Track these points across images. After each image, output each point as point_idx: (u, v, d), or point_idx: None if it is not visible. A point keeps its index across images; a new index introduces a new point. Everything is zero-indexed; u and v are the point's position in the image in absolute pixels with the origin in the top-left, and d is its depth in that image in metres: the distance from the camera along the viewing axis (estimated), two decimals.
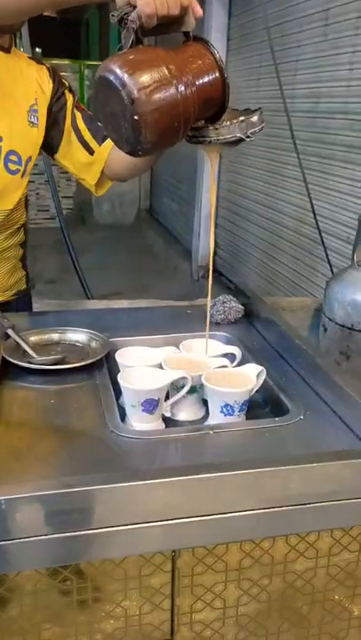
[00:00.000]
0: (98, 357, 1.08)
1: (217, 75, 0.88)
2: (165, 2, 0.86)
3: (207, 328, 1.10)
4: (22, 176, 1.28)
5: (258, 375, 0.98)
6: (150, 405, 0.92)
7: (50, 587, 0.76)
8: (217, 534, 0.77)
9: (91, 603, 0.78)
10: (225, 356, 1.07)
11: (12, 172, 1.25)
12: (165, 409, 0.97)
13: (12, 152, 1.24)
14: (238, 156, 4.22)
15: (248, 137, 0.92)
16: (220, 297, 1.32)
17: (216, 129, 0.92)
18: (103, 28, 9.21)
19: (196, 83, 0.86)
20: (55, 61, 6.23)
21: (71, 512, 0.71)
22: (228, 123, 0.92)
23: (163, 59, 0.84)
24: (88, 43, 10.86)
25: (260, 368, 0.99)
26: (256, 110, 0.94)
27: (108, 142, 1.31)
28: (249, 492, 0.77)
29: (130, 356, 1.04)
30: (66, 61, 7.12)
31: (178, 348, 1.09)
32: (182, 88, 0.84)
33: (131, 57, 0.84)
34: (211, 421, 0.96)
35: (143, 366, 1.00)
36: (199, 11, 0.90)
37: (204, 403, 1.01)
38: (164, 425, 0.96)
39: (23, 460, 0.80)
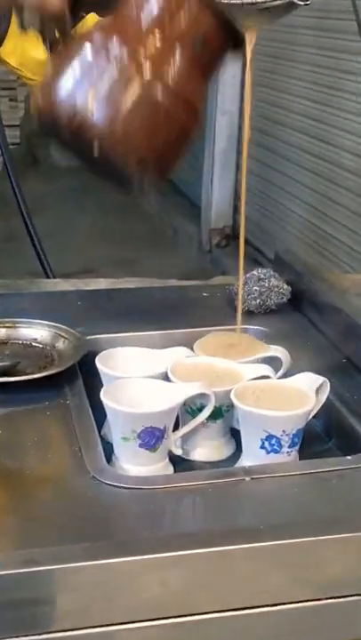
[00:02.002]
0: (68, 364, 1.09)
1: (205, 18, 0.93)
2: None
3: (238, 317, 1.09)
4: None
5: (318, 391, 0.98)
6: (152, 438, 0.92)
7: None
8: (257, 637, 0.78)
9: None
10: (264, 361, 1.08)
11: None
12: (174, 443, 0.97)
13: None
14: (274, 61, 4.21)
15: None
16: (255, 272, 1.34)
17: None
18: None
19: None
20: None
21: (32, 604, 0.71)
22: None
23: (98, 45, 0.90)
24: None
25: (320, 380, 0.99)
26: None
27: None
28: (306, 573, 0.77)
29: (118, 361, 1.05)
30: None
31: (191, 350, 1.10)
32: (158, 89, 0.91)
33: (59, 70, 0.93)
34: (245, 462, 0.96)
35: (139, 377, 1.00)
36: None
37: (234, 434, 1.02)
38: (172, 468, 0.96)
39: None
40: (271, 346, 1.13)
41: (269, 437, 0.92)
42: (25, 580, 0.71)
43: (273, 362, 1.08)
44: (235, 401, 0.94)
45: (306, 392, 0.97)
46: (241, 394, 0.95)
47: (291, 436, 0.93)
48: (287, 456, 0.93)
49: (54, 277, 2.39)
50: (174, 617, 0.75)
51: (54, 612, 0.72)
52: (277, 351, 1.10)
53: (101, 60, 0.90)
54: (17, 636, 0.71)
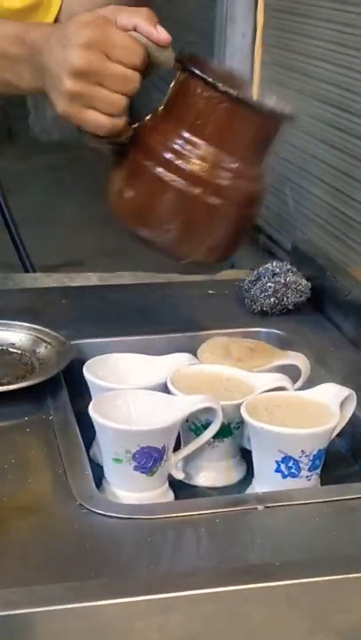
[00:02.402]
0: (52, 374, 1.10)
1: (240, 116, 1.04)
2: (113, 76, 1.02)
3: None
4: None
5: (342, 404, 0.99)
6: (149, 459, 0.93)
7: None
8: None
9: None
10: (280, 369, 1.09)
11: None
12: (175, 466, 0.99)
13: None
14: (290, 18, 4.23)
15: None
16: (269, 265, 1.35)
17: None
18: None
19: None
20: None
21: None
22: None
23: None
24: None
25: (345, 392, 1.00)
26: None
27: None
28: (329, 617, 0.78)
29: (110, 370, 1.07)
30: None
31: (195, 357, 1.11)
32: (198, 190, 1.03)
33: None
34: (258, 488, 0.97)
35: (134, 389, 1.02)
36: (162, 37, 1.05)
37: (245, 455, 1.03)
38: (172, 494, 0.97)
39: None
40: (288, 352, 1.14)
41: (286, 459, 0.93)
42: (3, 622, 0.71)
43: (290, 370, 1.09)
44: (245, 416, 0.95)
45: (328, 406, 0.98)
46: (253, 408, 0.96)
47: (311, 457, 0.93)
48: (307, 481, 0.94)
49: (34, 271, 2.39)
50: None
51: None
52: (295, 358, 1.11)
53: (165, 177, 1.03)
54: None
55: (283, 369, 1.09)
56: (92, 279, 1.93)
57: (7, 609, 0.71)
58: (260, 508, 0.89)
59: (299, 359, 1.10)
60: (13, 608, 0.71)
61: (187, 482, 1.01)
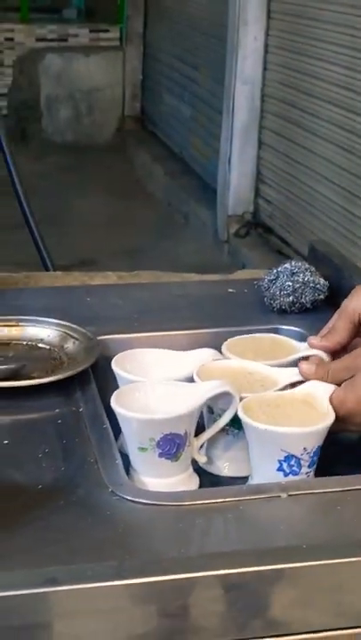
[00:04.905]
0: (80, 368, 1.11)
1: None
2: None
3: None
4: None
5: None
6: (172, 446, 0.95)
7: None
8: None
9: None
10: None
11: None
12: (197, 451, 1.01)
13: None
14: (299, 21, 4.23)
15: None
16: (287, 265, 1.36)
17: None
18: None
19: None
20: None
21: (47, 627, 0.74)
22: None
23: None
24: None
25: (332, 388, 1.02)
26: None
27: None
28: (352, 597, 0.80)
29: (137, 364, 1.08)
30: None
31: (219, 352, 1.13)
32: None
33: None
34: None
35: (160, 381, 1.04)
36: None
37: None
38: (197, 479, 0.99)
39: None
40: (311, 350, 1.14)
41: (288, 458, 0.95)
42: (43, 600, 0.73)
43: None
44: (245, 418, 0.96)
45: (319, 403, 1.00)
46: (248, 409, 0.97)
47: (311, 454, 0.96)
48: (306, 477, 0.96)
49: (54, 270, 2.40)
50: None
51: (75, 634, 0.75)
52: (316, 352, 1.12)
53: None
54: None
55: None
56: (111, 278, 1.94)
57: (51, 586, 0.73)
58: (283, 496, 0.90)
59: (320, 354, 1.11)
60: (56, 585, 0.73)
61: (209, 471, 1.03)
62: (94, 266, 4.10)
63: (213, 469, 1.05)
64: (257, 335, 1.17)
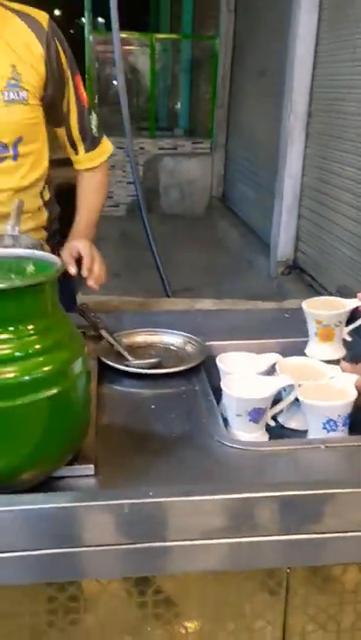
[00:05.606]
0: (197, 362, 1.13)
1: None
2: None
3: None
4: (14, 159, 1.30)
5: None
6: (257, 415, 0.97)
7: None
8: (335, 554, 0.81)
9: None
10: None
11: None
12: (270, 417, 1.01)
13: None
14: (329, 140, 4.20)
15: None
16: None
17: None
18: (174, 0, 9.37)
19: None
20: (124, 34, 6.40)
21: (182, 519, 0.77)
22: None
23: None
24: (158, 15, 11.09)
25: (354, 377, 1.01)
26: None
27: (92, 155, 1.44)
28: None
29: (231, 361, 1.09)
30: (135, 35, 7.31)
31: (282, 356, 1.12)
32: None
33: None
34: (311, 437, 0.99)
35: (246, 373, 1.04)
36: None
37: None
38: (267, 434, 1.00)
39: (129, 466, 0.87)
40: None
41: (329, 420, 0.96)
42: (182, 506, 0.76)
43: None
44: (301, 398, 0.97)
45: (345, 388, 0.99)
46: (303, 392, 0.98)
47: (343, 418, 0.96)
48: (341, 433, 0.96)
49: (171, 296, 2.42)
50: (282, 534, 0.79)
51: (195, 529, 0.77)
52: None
53: None
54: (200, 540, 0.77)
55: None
56: (207, 303, 1.96)
57: (187, 496, 0.76)
58: (322, 447, 0.92)
59: None
60: (191, 495, 0.76)
61: (286, 426, 1.04)
62: (192, 291, 4.13)
63: (289, 425, 1.05)
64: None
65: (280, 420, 1.05)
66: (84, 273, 1.29)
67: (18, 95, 1.26)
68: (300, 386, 1.00)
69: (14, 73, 1.25)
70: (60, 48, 1.31)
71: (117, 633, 0.84)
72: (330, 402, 0.96)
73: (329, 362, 1.11)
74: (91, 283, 1.28)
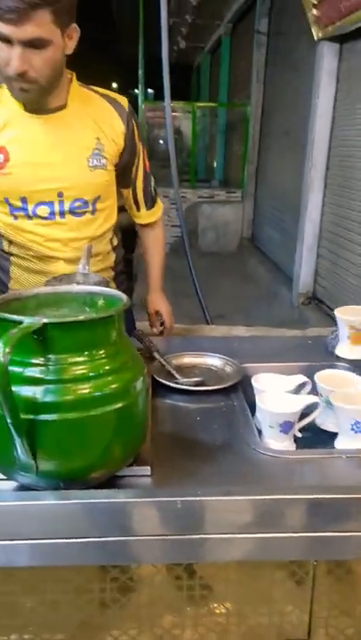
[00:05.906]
0: (235, 381, 1.14)
1: None
2: None
3: None
4: (93, 213, 1.35)
5: None
6: (287, 427, 0.97)
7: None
8: (356, 549, 0.80)
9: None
10: None
11: (78, 215, 1.32)
12: (297, 430, 1.01)
13: (77, 199, 1.30)
14: (343, 190, 4.18)
15: None
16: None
17: None
18: (213, 72, 9.55)
19: None
20: (172, 103, 6.54)
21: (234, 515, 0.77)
22: None
23: None
24: (199, 85, 11.30)
25: None
26: None
27: (152, 212, 1.48)
28: None
29: (264, 381, 1.09)
30: (180, 103, 7.47)
31: (307, 378, 1.10)
32: None
33: None
34: (341, 438, 0.99)
35: (277, 391, 1.04)
36: None
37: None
38: (295, 444, 1.00)
39: (179, 468, 0.87)
40: None
41: (357, 422, 0.95)
42: (223, 504, 0.77)
43: None
44: (334, 403, 0.96)
45: None
46: (333, 398, 0.98)
47: None
48: None
49: (211, 323, 2.43)
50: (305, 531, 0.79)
51: (239, 523, 0.77)
52: None
53: None
54: (241, 533, 0.77)
55: None
56: (241, 330, 1.97)
57: (229, 495, 0.77)
58: (343, 457, 0.91)
59: None
60: (232, 495, 0.77)
61: (322, 428, 1.03)
62: (225, 318, 4.13)
63: (326, 427, 1.04)
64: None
65: (317, 421, 1.03)
66: (165, 334, 1.42)
67: (100, 162, 1.31)
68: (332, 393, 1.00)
69: (98, 144, 1.30)
70: (135, 125, 1.37)
71: (162, 611, 0.84)
72: (357, 405, 0.95)
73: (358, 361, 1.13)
74: (165, 335, 1.40)
